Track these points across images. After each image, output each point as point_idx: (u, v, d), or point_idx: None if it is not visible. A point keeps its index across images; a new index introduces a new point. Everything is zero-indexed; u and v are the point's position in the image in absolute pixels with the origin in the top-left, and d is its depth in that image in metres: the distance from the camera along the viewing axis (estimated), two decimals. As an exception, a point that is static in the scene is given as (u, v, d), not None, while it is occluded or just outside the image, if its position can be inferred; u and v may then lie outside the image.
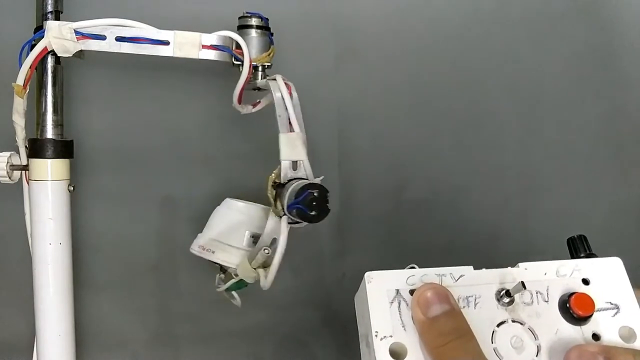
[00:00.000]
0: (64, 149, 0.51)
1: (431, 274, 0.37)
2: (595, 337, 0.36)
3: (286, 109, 0.48)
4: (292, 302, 0.66)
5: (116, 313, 0.62)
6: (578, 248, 0.41)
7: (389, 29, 0.66)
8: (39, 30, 0.49)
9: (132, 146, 0.60)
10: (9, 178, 0.50)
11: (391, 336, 0.34)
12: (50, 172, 0.50)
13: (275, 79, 0.49)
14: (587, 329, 0.36)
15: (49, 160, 0.50)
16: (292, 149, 0.46)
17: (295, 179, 0.46)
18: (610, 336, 0.36)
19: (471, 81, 0.68)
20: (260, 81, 0.52)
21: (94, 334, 0.60)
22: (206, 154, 0.62)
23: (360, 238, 0.66)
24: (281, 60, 0.55)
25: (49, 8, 0.51)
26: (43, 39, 0.48)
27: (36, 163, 0.50)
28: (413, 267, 0.37)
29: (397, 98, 0.66)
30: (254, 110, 0.54)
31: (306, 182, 0.44)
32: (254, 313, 0.65)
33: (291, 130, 0.47)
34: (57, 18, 0.51)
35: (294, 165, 0.46)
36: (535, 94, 0.70)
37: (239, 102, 0.53)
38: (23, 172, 0.51)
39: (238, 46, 0.51)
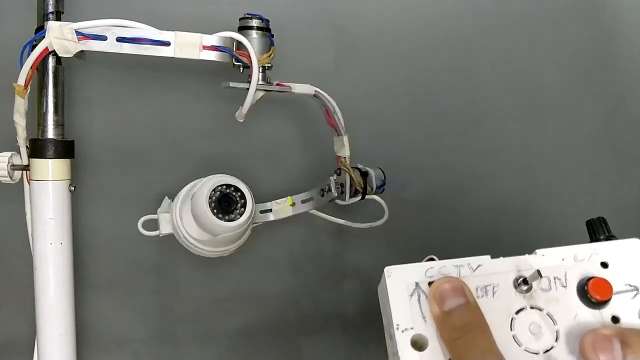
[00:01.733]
0: (64, 149, 0.51)
1: (449, 265, 0.37)
2: (615, 319, 0.36)
3: (338, 116, 0.56)
4: (292, 302, 0.66)
5: (116, 313, 0.62)
6: (597, 230, 0.40)
7: (389, 29, 0.66)
8: (40, 30, 0.49)
9: (133, 146, 0.60)
10: (10, 178, 0.50)
11: (412, 328, 0.35)
12: (51, 172, 0.50)
13: (318, 90, 0.55)
14: (606, 313, 0.36)
15: (50, 160, 0.50)
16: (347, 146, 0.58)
17: (354, 167, 0.59)
18: (630, 318, 0.36)
19: (471, 81, 0.68)
20: (300, 87, 0.54)
21: (95, 334, 0.61)
22: (206, 154, 0.62)
23: (360, 238, 0.66)
24: (281, 61, 0.55)
25: (50, 8, 0.51)
26: (44, 40, 0.48)
27: (37, 163, 0.50)
28: (432, 259, 0.38)
29: (397, 98, 0.66)
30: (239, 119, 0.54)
31: (373, 168, 0.59)
32: (254, 313, 0.65)
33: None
34: (58, 18, 0.51)
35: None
36: (535, 93, 0.70)
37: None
38: (24, 172, 0.51)
39: (239, 47, 0.51)
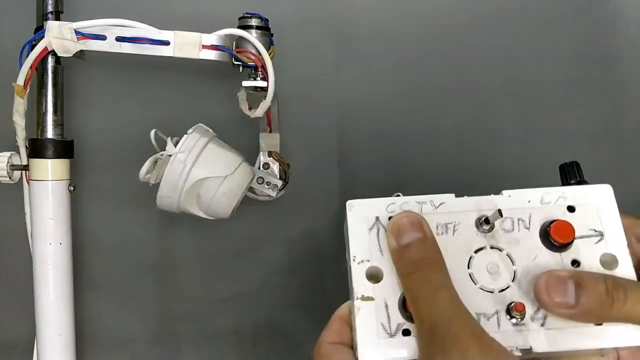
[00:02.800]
0: (64, 149, 0.51)
1: (411, 201, 0.37)
2: (575, 263, 0.35)
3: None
4: (291, 302, 0.66)
5: (116, 313, 0.62)
6: (570, 175, 0.39)
7: (389, 29, 0.66)
8: (39, 30, 0.50)
9: (132, 146, 0.60)
10: (10, 178, 0.50)
11: (368, 260, 0.35)
12: (51, 172, 0.50)
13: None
14: (567, 256, 0.35)
15: (49, 160, 0.50)
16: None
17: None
18: (591, 263, 0.35)
19: (471, 81, 0.68)
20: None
21: (94, 334, 0.60)
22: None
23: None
24: (281, 61, 0.55)
25: (50, 8, 0.51)
26: (43, 39, 0.48)
27: (36, 163, 0.50)
28: (398, 195, 0.37)
29: (397, 98, 0.66)
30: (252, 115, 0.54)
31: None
32: (254, 313, 0.65)
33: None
34: (57, 18, 0.51)
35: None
36: (536, 94, 0.70)
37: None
38: (23, 172, 0.51)
39: (238, 46, 0.51)
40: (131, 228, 0.62)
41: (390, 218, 0.36)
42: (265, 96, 0.51)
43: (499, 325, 0.34)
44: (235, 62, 0.51)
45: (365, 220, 0.37)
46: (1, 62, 0.54)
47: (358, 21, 0.65)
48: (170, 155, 0.50)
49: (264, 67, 0.52)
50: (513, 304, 0.33)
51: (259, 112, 0.52)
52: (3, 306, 0.60)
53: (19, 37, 0.50)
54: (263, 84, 0.51)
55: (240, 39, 0.51)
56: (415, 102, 0.67)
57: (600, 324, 0.33)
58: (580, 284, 0.32)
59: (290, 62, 0.58)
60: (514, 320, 0.33)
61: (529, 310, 0.34)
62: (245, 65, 0.51)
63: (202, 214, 0.52)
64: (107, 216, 0.60)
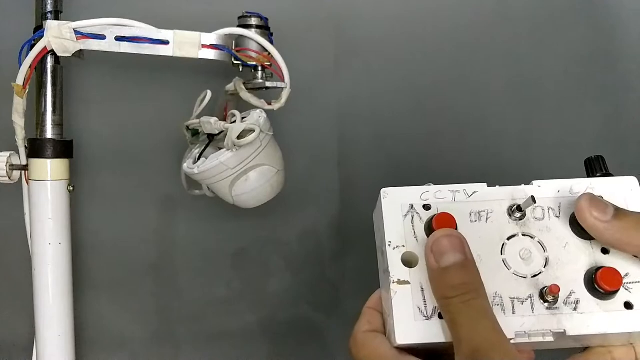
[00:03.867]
0: (63, 149, 0.51)
1: (445, 190, 0.38)
2: (605, 251, 0.36)
3: None
4: (291, 302, 0.66)
5: (116, 313, 0.62)
6: (595, 168, 0.40)
7: (389, 28, 0.66)
8: (39, 30, 0.49)
9: (132, 146, 0.60)
10: (9, 178, 0.50)
11: (404, 246, 0.36)
12: (50, 172, 0.50)
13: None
14: (597, 244, 0.36)
15: (49, 160, 0.50)
16: None
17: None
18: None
19: (471, 81, 0.68)
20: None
21: (94, 334, 0.60)
22: (206, 153, 0.62)
23: (360, 238, 0.66)
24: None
25: (49, 8, 0.51)
26: (43, 39, 0.47)
27: (36, 163, 0.50)
28: (430, 185, 0.39)
29: (397, 98, 0.66)
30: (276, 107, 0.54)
31: None
32: (254, 313, 0.65)
33: None
34: (56, 18, 0.51)
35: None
36: (536, 94, 0.70)
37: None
38: (23, 172, 0.51)
39: (238, 45, 0.51)
40: (131, 228, 0.62)
41: (424, 206, 0.37)
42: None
43: (532, 309, 0.34)
44: (235, 62, 0.51)
45: (400, 208, 0.38)
46: (0, 62, 0.54)
47: (358, 21, 0.65)
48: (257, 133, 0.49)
49: (263, 67, 0.52)
50: (547, 287, 0.34)
51: (282, 102, 0.52)
52: (3, 306, 0.60)
53: (18, 36, 0.50)
54: (267, 84, 0.52)
55: (240, 38, 0.51)
56: (415, 102, 0.67)
57: (631, 305, 0.34)
58: (618, 211, 0.34)
59: (290, 62, 0.58)
60: (547, 304, 0.34)
61: (562, 295, 0.34)
62: (245, 65, 0.51)
63: (230, 199, 0.52)
64: (107, 216, 0.60)
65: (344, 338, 0.67)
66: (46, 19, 0.50)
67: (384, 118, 0.66)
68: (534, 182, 0.39)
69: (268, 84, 0.52)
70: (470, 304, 0.33)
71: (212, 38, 0.50)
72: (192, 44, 0.49)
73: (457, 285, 0.33)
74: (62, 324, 0.51)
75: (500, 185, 0.38)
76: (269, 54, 0.52)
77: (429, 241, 0.35)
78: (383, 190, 0.38)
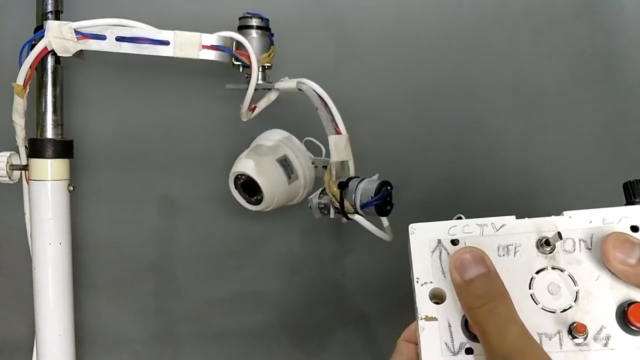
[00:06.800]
0: (63, 148, 0.51)
1: (472, 224, 0.38)
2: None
3: (330, 111, 0.50)
4: (291, 302, 0.66)
5: (116, 313, 0.62)
6: (635, 193, 0.39)
7: (389, 28, 0.66)
8: (39, 30, 0.49)
9: (132, 146, 0.60)
10: (9, 178, 0.50)
11: (431, 282, 0.36)
12: (50, 172, 0.50)
13: (304, 83, 0.50)
14: None
15: (49, 160, 0.50)
16: (341, 150, 0.50)
17: (349, 178, 0.50)
18: None
19: (472, 81, 0.68)
20: (284, 84, 0.52)
21: (94, 334, 0.60)
22: (205, 153, 0.62)
23: (360, 238, 0.66)
24: (281, 61, 0.55)
25: (49, 8, 0.51)
26: (43, 39, 0.47)
27: (36, 163, 0.50)
28: (460, 218, 0.38)
29: (397, 98, 0.66)
30: (252, 115, 0.54)
31: (376, 180, 0.49)
32: (254, 313, 0.65)
33: (338, 132, 0.50)
34: (57, 18, 0.51)
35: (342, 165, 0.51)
36: (536, 94, 0.70)
37: (252, 109, 0.53)
38: (23, 172, 0.51)
39: (238, 46, 0.51)
40: (131, 228, 0.62)
41: (452, 241, 0.37)
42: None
43: (561, 345, 0.34)
44: (236, 63, 0.51)
45: (428, 243, 0.37)
46: (1, 62, 0.54)
47: (358, 21, 0.65)
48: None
49: (264, 67, 0.52)
50: (575, 324, 0.34)
51: (243, 115, 0.53)
52: (3, 306, 0.60)
53: (18, 37, 0.50)
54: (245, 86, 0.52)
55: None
56: (415, 102, 0.67)
57: None
58: None
59: (290, 61, 0.58)
60: (576, 340, 0.34)
61: (592, 330, 0.34)
62: (245, 66, 0.51)
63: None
64: (107, 216, 0.60)
65: (343, 338, 0.67)
66: (47, 19, 0.50)
67: (384, 118, 0.66)
68: (564, 212, 0.37)
69: (277, 85, 0.52)
70: (497, 312, 0.33)
71: (212, 39, 0.50)
72: (193, 45, 0.49)
73: (481, 294, 0.34)
74: (62, 324, 0.51)
75: (529, 217, 0.38)
76: (269, 55, 0.52)
77: (451, 258, 0.36)
78: (411, 226, 0.38)
